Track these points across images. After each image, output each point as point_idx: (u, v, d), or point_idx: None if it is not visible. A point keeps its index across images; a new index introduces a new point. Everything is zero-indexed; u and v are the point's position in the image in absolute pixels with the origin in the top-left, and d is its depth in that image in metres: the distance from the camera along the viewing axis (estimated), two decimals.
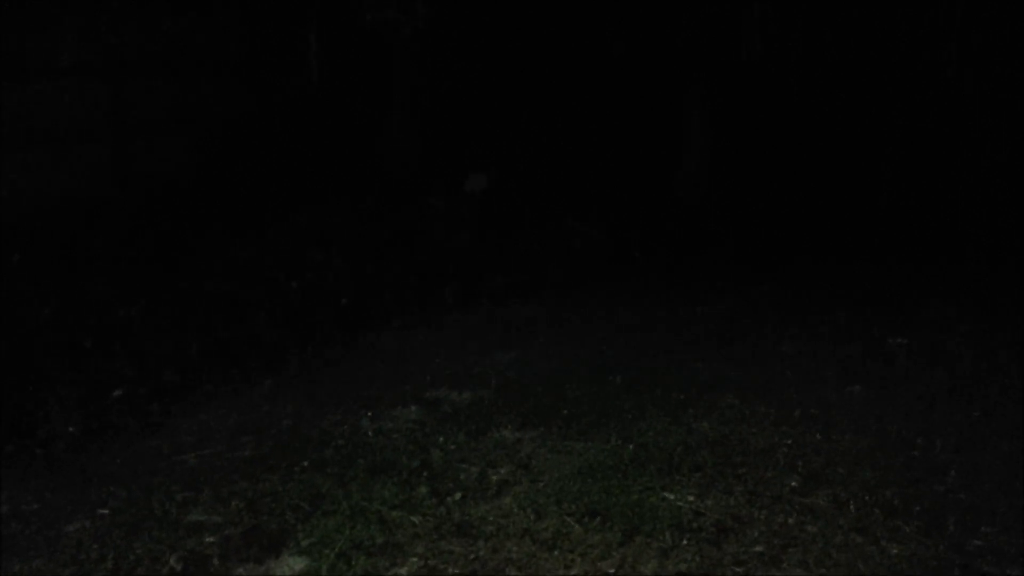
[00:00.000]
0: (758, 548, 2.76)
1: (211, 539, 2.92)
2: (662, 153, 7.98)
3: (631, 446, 3.47)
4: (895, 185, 7.52)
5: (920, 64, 8.38)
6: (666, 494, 3.08)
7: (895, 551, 2.72)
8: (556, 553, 2.78)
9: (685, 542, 2.80)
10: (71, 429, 3.82)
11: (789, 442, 3.46)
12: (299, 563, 2.78)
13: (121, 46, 6.49)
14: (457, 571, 2.72)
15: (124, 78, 6.50)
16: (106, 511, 3.10)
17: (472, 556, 2.79)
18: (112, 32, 6.42)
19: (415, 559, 2.79)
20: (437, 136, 7.95)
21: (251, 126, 7.22)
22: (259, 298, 5.47)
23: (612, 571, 2.67)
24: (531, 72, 8.33)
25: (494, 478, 3.28)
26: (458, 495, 3.16)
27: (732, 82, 8.20)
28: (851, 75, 8.44)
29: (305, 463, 3.45)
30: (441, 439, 3.61)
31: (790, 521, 2.90)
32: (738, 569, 2.67)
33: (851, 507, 2.97)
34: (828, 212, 7.21)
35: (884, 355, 4.41)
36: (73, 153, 6.16)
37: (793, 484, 3.12)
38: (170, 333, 4.84)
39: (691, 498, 3.05)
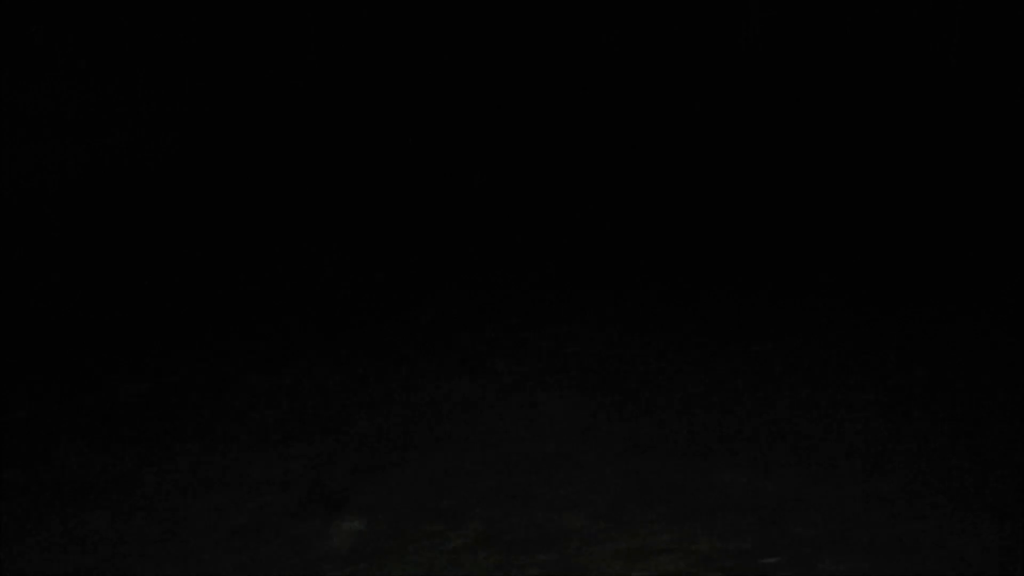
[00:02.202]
0: (819, 531, 2.75)
1: (271, 498, 3.00)
2: None
3: (689, 424, 3.47)
4: None
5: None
6: (723, 474, 3.08)
7: None
8: (613, 525, 2.80)
9: (744, 521, 2.80)
10: (135, 389, 3.92)
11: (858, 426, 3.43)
12: (359, 524, 2.84)
13: None
14: (515, 537, 2.76)
15: None
16: (174, 467, 3.20)
17: (529, 523, 2.83)
18: None
19: (475, 523, 2.83)
20: None
21: None
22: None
23: (668, 547, 2.68)
24: None
25: (549, 449, 3.31)
26: (513, 465, 3.20)
27: None
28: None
29: (362, 426, 3.52)
30: (497, 408, 3.65)
31: (854, 504, 2.88)
32: (801, 549, 2.66)
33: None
34: None
35: None
36: None
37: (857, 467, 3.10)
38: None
39: (745, 479, 3.05)
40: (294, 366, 4.12)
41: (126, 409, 3.72)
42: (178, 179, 6.76)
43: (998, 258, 5.34)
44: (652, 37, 9.02)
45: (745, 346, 4.24)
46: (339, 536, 2.78)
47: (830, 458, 3.19)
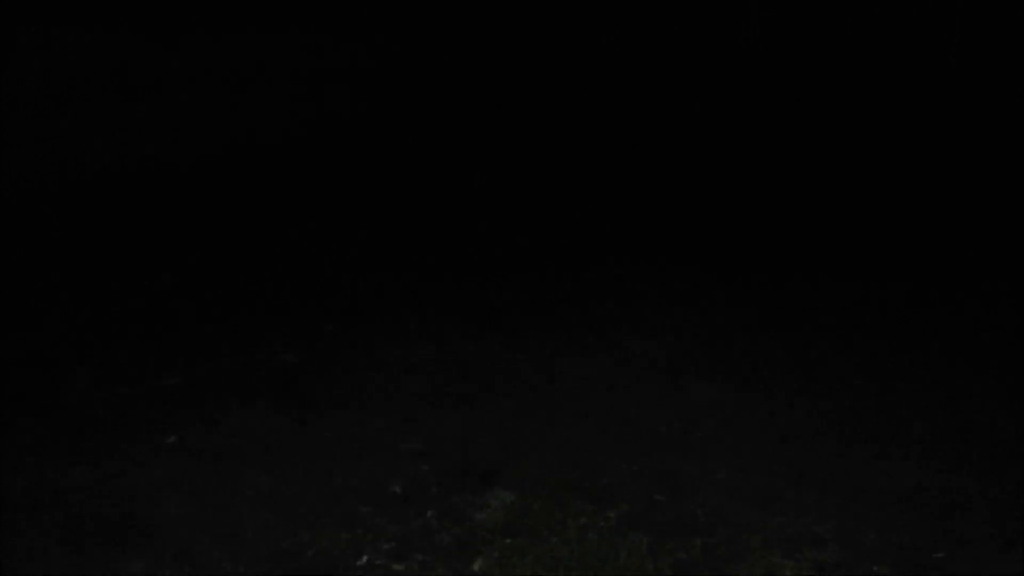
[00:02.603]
0: (989, 530, 2.65)
1: (426, 467, 3.04)
2: None
3: (834, 411, 3.39)
4: None
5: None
6: (885, 466, 2.99)
7: None
8: (766, 514, 2.75)
9: (908, 517, 2.71)
10: (286, 357, 4.03)
11: (1005, 421, 3.30)
12: (510, 497, 2.87)
13: None
14: (666, 520, 2.74)
15: None
16: (329, 435, 3.28)
17: (678, 508, 2.80)
18: None
19: (624, 505, 2.82)
20: None
21: None
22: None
23: (829, 537, 2.62)
24: None
25: (697, 434, 3.28)
26: (663, 448, 3.17)
27: None
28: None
29: (508, 402, 3.54)
30: (642, 391, 3.63)
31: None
32: (965, 548, 2.57)
33: None
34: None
35: None
36: None
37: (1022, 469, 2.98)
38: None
39: (911, 471, 2.95)
40: (421, 343, 4.16)
41: (278, 375, 3.82)
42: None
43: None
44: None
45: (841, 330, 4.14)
46: (491, 508, 2.81)
47: (993, 453, 3.07)
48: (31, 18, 5.69)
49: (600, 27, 8.67)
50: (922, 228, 5.91)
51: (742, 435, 3.26)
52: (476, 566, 2.53)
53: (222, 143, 7.16)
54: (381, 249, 5.64)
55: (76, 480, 2.94)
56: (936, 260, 5.22)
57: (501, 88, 8.70)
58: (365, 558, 2.56)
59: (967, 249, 5.38)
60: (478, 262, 5.39)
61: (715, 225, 6.11)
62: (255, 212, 6.29)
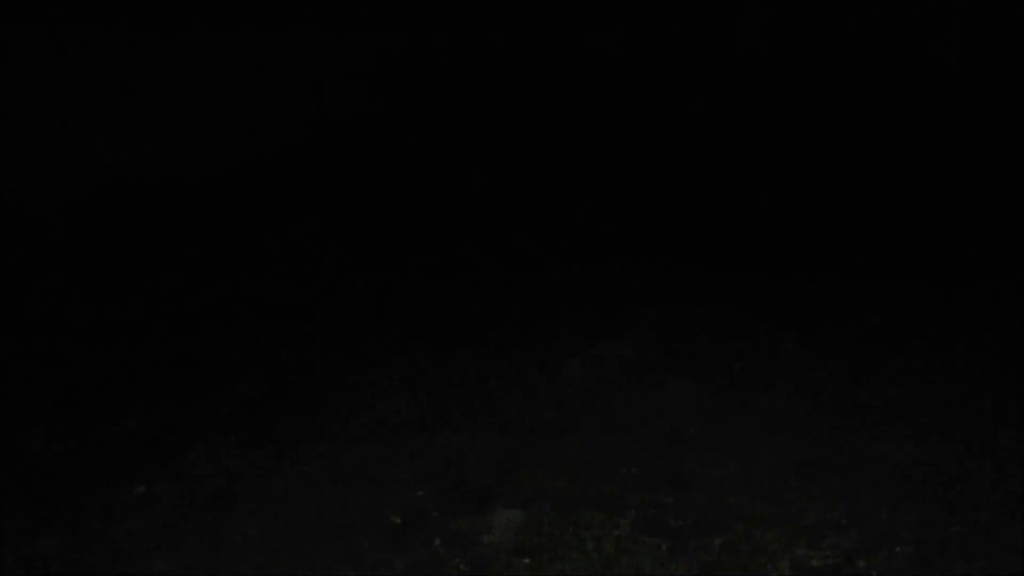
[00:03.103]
0: (991, 501, 2.67)
1: (421, 493, 2.92)
2: None
3: (820, 400, 3.39)
4: None
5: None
6: (880, 447, 3.00)
7: None
8: (777, 506, 2.72)
9: (913, 495, 2.72)
10: (248, 390, 3.84)
11: (988, 397, 3.35)
12: (517, 516, 2.77)
13: None
14: (680, 522, 2.68)
15: None
16: (309, 469, 3.12)
17: (689, 508, 2.75)
18: None
19: (633, 510, 2.75)
20: None
21: None
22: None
23: (845, 522, 2.60)
24: None
25: (688, 432, 3.23)
26: (657, 449, 3.11)
27: None
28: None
29: (489, 418, 3.43)
30: (622, 394, 3.57)
31: (1017, 477, 2.80)
32: (974, 521, 2.58)
33: None
34: None
35: None
36: None
37: (1011, 438, 3.02)
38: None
39: (906, 448, 2.96)
40: (389, 363, 4.02)
41: (239, 410, 3.63)
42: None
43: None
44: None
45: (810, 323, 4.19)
46: (498, 530, 2.70)
47: (982, 427, 3.11)
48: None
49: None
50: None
51: (731, 430, 3.23)
52: None
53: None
54: (348, 258, 5.45)
55: (45, 547, 2.71)
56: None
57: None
58: None
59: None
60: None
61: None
62: (231, 223, 6.00)
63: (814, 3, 8.49)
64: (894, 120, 8.32)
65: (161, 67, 6.58)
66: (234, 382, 3.82)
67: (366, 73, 8.37)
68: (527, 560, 2.54)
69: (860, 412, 3.29)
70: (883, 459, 2.93)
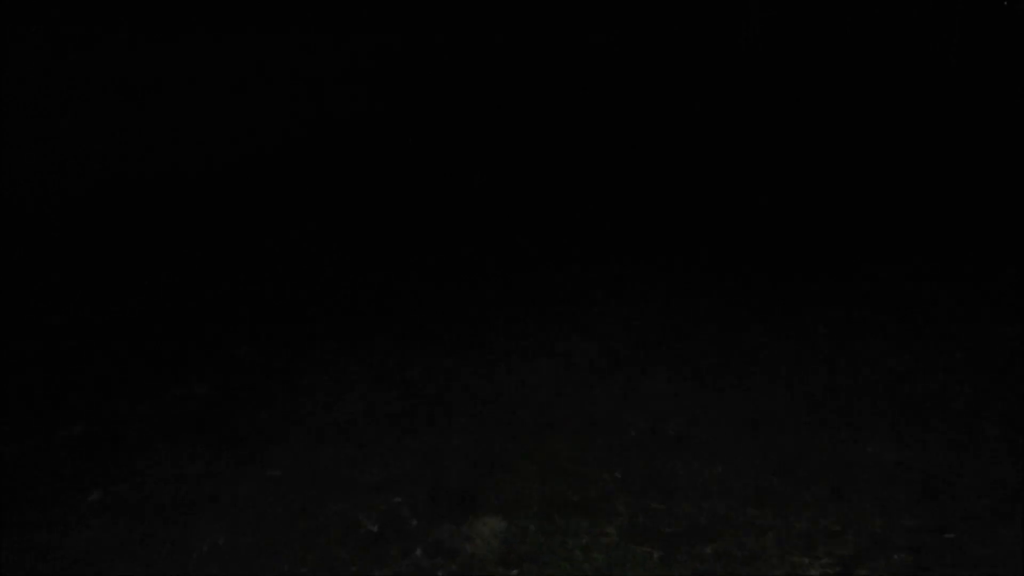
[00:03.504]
0: (983, 501, 2.64)
1: (398, 499, 2.79)
2: None
3: (800, 396, 3.34)
4: None
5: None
6: (865, 447, 2.95)
7: None
8: (767, 510, 2.66)
9: (903, 497, 2.67)
10: (201, 389, 3.66)
11: (968, 389, 3.34)
12: (499, 523, 2.65)
13: None
14: (670, 529, 2.60)
15: None
16: (277, 473, 2.96)
17: (677, 514, 2.67)
18: None
19: (620, 517, 2.66)
20: None
21: None
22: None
23: (838, 528, 2.55)
24: None
25: (668, 433, 3.15)
26: (638, 451, 3.03)
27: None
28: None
29: (461, 419, 3.31)
30: (595, 393, 3.47)
31: (1006, 474, 2.78)
32: (968, 523, 2.55)
33: None
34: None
35: None
36: None
37: (996, 432, 3.00)
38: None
39: (892, 451, 2.92)
40: (359, 360, 3.88)
41: (195, 410, 3.46)
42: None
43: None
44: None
45: (794, 317, 4.15)
46: (482, 538, 2.59)
47: (965, 424, 3.09)
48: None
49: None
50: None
51: (711, 429, 3.16)
52: None
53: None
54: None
55: None
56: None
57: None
58: None
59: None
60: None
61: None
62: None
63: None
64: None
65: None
66: (182, 381, 3.63)
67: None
68: (515, 572, 2.43)
69: (840, 408, 3.25)
70: (868, 460, 2.88)
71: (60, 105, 5.93)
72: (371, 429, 3.25)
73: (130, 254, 5.21)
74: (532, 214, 6.23)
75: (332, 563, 2.49)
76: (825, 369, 3.60)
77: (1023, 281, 4.68)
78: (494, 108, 8.55)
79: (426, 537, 2.60)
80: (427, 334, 4.11)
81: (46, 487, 2.90)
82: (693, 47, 9.02)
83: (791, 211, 6.26)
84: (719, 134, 8.31)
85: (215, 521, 2.69)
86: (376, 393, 3.53)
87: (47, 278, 4.81)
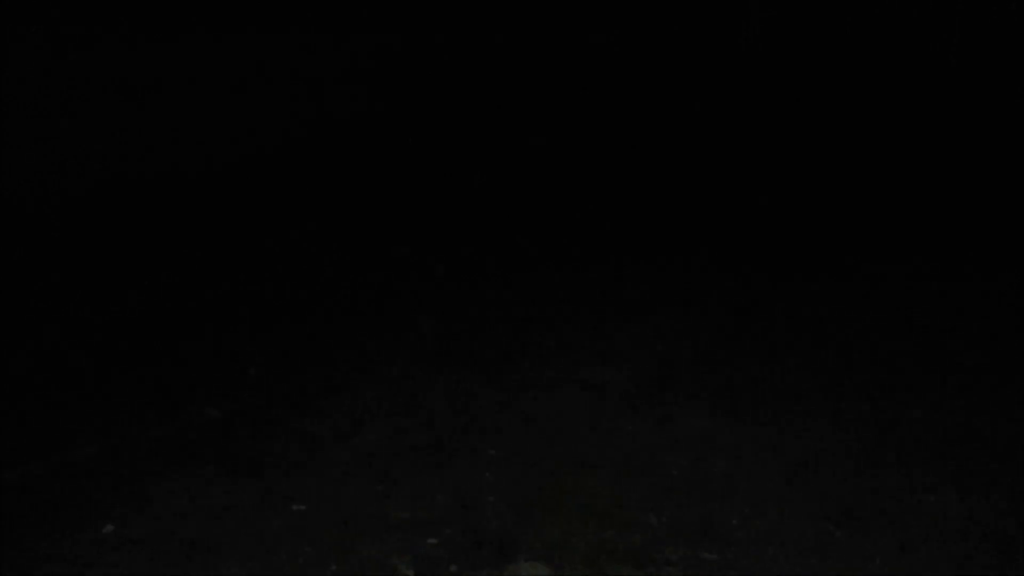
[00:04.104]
0: None
1: (433, 540, 2.62)
2: None
3: (848, 436, 3.20)
4: None
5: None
6: (926, 495, 2.81)
7: None
8: (830, 563, 2.51)
9: (975, 551, 2.53)
10: (214, 412, 3.49)
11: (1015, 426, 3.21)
12: (543, 570, 2.49)
13: None
14: None
15: None
16: (302, 507, 2.79)
17: (732, 566, 2.51)
18: None
19: (671, 567, 2.51)
20: None
21: None
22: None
23: None
24: None
25: (713, 472, 3.00)
26: (683, 493, 2.88)
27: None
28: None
29: (491, 452, 3.15)
30: (630, 428, 3.32)
31: None
32: None
33: None
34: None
35: None
36: None
37: None
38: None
39: (952, 496, 2.79)
40: (371, 382, 3.71)
41: (208, 435, 3.28)
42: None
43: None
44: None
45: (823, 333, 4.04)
46: None
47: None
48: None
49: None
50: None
51: (755, 470, 3.01)
52: None
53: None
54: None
55: None
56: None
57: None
58: None
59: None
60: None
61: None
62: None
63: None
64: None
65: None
66: (193, 404, 3.45)
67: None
68: None
69: (890, 447, 3.11)
70: (927, 508, 2.74)
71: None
72: (394, 462, 3.08)
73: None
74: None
75: None
76: (865, 399, 3.44)
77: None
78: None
79: None
80: (440, 350, 3.96)
81: (54, 516, 2.72)
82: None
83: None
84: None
85: (243, 563, 2.51)
86: (396, 419, 3.37)
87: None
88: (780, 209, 6.19)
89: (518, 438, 3.24)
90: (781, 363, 3.83)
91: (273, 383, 3.70)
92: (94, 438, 3.20)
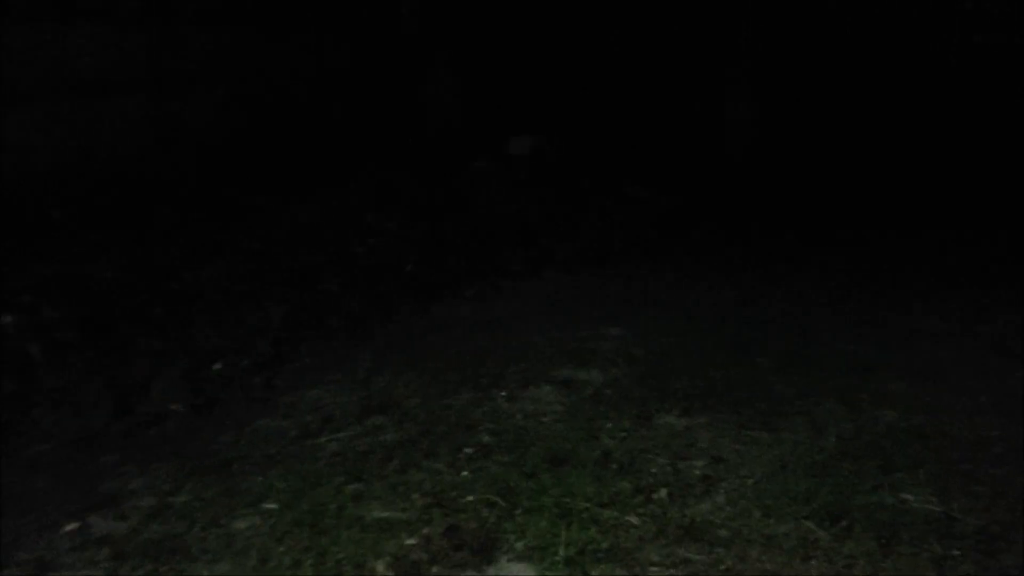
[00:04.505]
0: None
1: (411, 541, 2.54)
2: (710, 113, 7.82)
3: (830, 438, 3.17)
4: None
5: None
6: (904, 495, 2.79)
7: None
8: (815, 563, 2.47)
9: (956, 552, 2.51)
10: (176, 407, 3.38)
11: (995, 434, 3.20)
12: (525, 570, 2.43)
13: None
14: None
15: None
16: (273, 505, 2.70)
17: (719, 566, 2.47)
18: None
19: (655, 568, 2.45)
20: (479, 97, 7.60)
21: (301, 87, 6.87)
22: (327, 263, 5.05)
23: None
24: (575, 34, 8.04)
25: (694, 472, 2.96)
26: (663, 492, 2.83)
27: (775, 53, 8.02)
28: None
29: (468, 450, 3.08)
30: (608, 425, 3.27)
31: None
32: None
33: None
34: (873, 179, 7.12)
35: None
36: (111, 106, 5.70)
37: None
38: (247, 300, 4.39)
39: (934, 500, 2.77)
40: (338, 379, 3.62)
41: (168, 430, 3.17)
42: None
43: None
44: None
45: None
46: None
47: (1004, 474, 2.95)
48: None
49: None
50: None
51: (740, 471, 2.97)
52: None
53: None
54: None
55: None
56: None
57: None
58: None
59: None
60: (370, 290, 4.87)
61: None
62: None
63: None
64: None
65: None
66: (156, 398, 3.34)
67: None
68: None
69: (868, 448, 3.08)
70: (910, 511, 2.71)
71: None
72: (370, 460, 2.99)
73: (93, 239, 4.88)
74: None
75: None
76: (856, 416, 3.41)
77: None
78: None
79: None
80: (414, 350, 3.88)
81: (12, 515, 2.60)
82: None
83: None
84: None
85: (212, 565, 2.41)
86: (369, 416, 3.28)
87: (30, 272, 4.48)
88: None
89: (491, 436, 3.17)
90: (760, 362, 3.80)
91: (239, 378, 3.59)
92: (51, 432, 3.07)
